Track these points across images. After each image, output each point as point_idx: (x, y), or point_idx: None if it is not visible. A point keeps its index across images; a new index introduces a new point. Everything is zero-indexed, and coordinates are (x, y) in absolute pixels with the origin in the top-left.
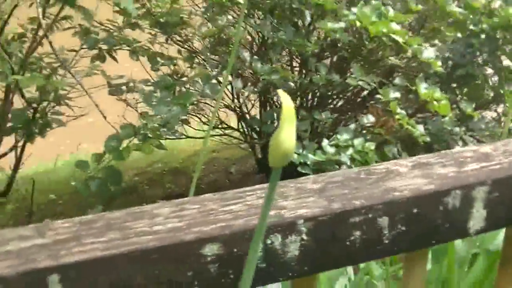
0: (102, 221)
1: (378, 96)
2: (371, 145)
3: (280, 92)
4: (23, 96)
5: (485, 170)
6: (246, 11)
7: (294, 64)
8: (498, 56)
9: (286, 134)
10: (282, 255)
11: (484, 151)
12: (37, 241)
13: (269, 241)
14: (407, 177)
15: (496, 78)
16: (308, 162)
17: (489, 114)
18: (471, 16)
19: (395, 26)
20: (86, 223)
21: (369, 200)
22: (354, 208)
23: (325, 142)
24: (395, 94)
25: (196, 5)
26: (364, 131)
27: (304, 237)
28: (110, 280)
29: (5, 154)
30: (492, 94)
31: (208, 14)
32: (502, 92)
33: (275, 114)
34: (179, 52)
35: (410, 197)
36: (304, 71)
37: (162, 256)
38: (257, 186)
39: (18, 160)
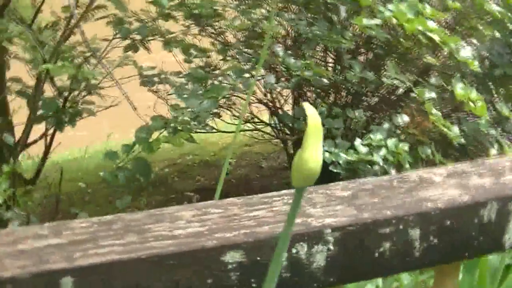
0: (121, 222)
1: (413, 95)
2: (405, 146)
3: (306, 105)
4: (54, 84)
5: None
6: (280, 5)
7: (328, 60)
8: None
9: (311, 152)
10: (307, 265)
11: None
12: (52, 241)
13: (294, 250)
14: (441, 186)
15: None
16: (340, 161)
17: None
18: (509, 15)
19: (431, 23)
20: (104, 224)
21: (400, 210)
22: (385, 218)
23: (357, 142)
24: (430, 94)
25: None
26: (398, 131)
27: (331, 247)
28: (126, 285)
29: (34, 142)
30: None
31: (242, 7)
32: None
33: None
34: (212, 44)
35: (443, 209)
36: (338, 68)
37: (181, 262)
38: (284, 191)
39: (47, 148)
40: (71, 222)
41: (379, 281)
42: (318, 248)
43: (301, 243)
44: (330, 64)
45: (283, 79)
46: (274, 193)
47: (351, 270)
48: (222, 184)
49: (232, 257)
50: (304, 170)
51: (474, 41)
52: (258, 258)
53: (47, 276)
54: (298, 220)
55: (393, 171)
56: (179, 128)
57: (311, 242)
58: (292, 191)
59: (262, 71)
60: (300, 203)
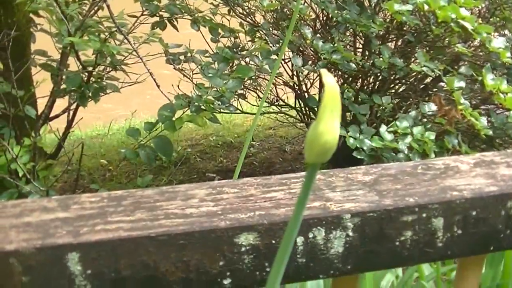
0: (131, 198)
1: (441, 84)
2: (431, 135)
3: (323, 71)
4: (78, 59)
5: None
6: None
7: (358, 45)
8: None
9: (327, 124)
10: (324, 251)
11: None
12: (60, 214)
13: (311, 235)
14: (468, 175)
15: None
16: (364, 148)
17: None
18: None
19: (464, 11)
20: (114, 199)
21: (424, 198)
22: (407, 205)
23: (383, 128)
24: (459, 84)
25: None
26: (425, 120)
27: (350, 233)
28: (133, 263)
29: (57, 116)
30: None
31: None
32: None
33: None
34: (241, 25)
35: (469, 198)
36: (367, 53)
37: (191, 242)
38: (303, 173)
39: (70, 123)
40: (80, 197)
41: (399, 271)
42: (336, 233)
43: (319, 227)
44: (359, 49)
45: (310, 62)
46: (292, 174)
47: (369, 259)
48: (240, 166)
49: (246, 239)
50: (319, 144)
51: (507, 32)
52: (273, 242)
53: (52, 251)
54: (316, 204)
55: (419, 159)
56: (202, 107)
57: (329, 227)
58: None
59: (290, 53)
60: (312, 182)
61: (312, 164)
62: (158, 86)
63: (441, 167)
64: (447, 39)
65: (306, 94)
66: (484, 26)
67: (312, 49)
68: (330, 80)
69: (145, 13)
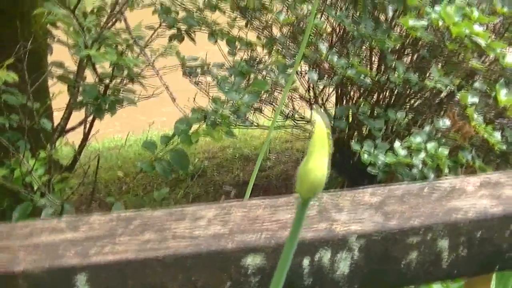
0: (140, 219)
1: (456, 99)
2: (444, 151)
3: (314, 111)
4: (95, 71)
5: None
6: (328, 1)
7: (374, 59)
8: None
9: (317, 162)
10: (330, 272)
11: None
12: (68, 235)
13: (317, 256)
14: (473, 196)
15: None
16: (379, 163)
17: None
18: None
19: (478, 27)
20: (123, 220)
21: (429, 219)
22: (412, 227)
23: (397, 144)
24: (473, 99)
25: None
26: (439, 135)
27: (356, 254)
28: (142, 284)
29: (73, 129)
30: None
31: (288, 1)
32: None
33: (350, 110)
34: (258, 38)
35: (474, 219)
36: (382, 67)
37: (199, 264)
38: None
39: (86, 135)
40: (89, 217)
41: None
42: (342, 255)
43: (325, 248)
44: (375, 64)
45: (326, 76)
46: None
47: (375, 280)
48: (253, 182)
49: (253, 260)
50: (309, 180)
51: None
52: None
53: (60, 272)
54: (322, 225)
55: (432, 175)
56: (218, 121)
57: (335, 249)
58: (320, 194)
59: (306, 67)
60: (304, 215)
61: (304, 198)
62: (174, 100)
63: (446, 188)
64: (461, 54)
65: (322, 108)
66: (497, 43)
67: (327, 63)
68: (319, 120)
69: (163, 25)
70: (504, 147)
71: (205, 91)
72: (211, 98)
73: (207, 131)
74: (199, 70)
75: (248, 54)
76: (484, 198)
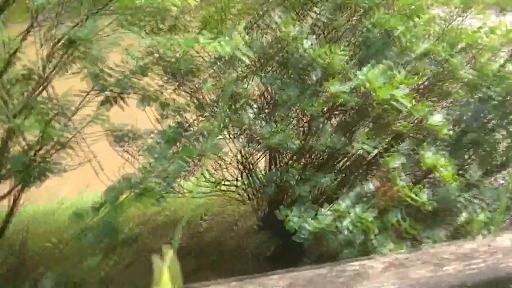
0: None
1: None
2: (370, 215)
3: (155, 260)
4: (23, 140)
5: (466, 271)
6: (258, 65)
7: (303, 122)
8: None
9: None
10: None
11: (465, 250)
12: None
13: None
14: (378, 279)
15: (506, 143)
16: (308, 228)
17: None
18: (481, 82)
19: (403, 90)
20: None
21: None
22: None
23: (324, 209)
24: (398, 162)
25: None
26: (366, 198)
27: None
28: None
29: (2, 198)
30: (502, 159)
31: (215, 67)
32: None
33: (278, 174)
34: (188, 104)
35: None
36: (312, 130)
37: None
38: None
39: (14, 204)
40: None
41: None
42: None
43: None
44: (304, 127)
45: (253, 141)
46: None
47: None
48: (175, 249)
49: None
50: None
51: (448, 104)
52: None
53: None
54: None
55: (360, 239)
56: (148, 189)
57: None
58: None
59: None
60: None
61: None
62: (102, 169)
63: (355, 269)
64: (388, 116)
65: (252, 172)
66: (421, 104)
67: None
68: (158, 265)
69: (93, 89)
70: (430, 208)
71: (135, 158)
72: (139, 166)
73: (135, 201)
74: (126, 138)
75: (178, 119)
76: (390, 280)
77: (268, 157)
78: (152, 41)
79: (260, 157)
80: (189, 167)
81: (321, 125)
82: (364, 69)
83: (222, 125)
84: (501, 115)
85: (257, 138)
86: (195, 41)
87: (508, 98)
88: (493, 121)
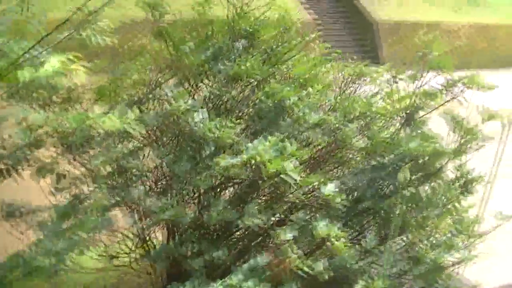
0: None
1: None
2: (264, 287)
3: None
4: None
5: None
6: (154, 137)
7: (196, 195)
8: (405, 186)
9: None
10: None
11: None
12: None
13: None
14: None
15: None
16: None
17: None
18: (375, 150)
19: (294, 162)
20: None
21: None
22: None
23: (216, 284)
24: (289, 235)
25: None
26: (260, 271)
27: None
28: None
29: None
30: (399, 224)
31: (108, 141)
32: (409, 221)
33: (172, 247)
34: (84, 174)
35: None
36: (204, 204)
37: None
38: None
39: None
40: None
41: None
42: None
43: None
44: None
45: (146, 217)
46: None
47: None
48: None
49: None
50: None
51: (344, 173)
52: None
53: None
54: None
55: None
56: (39, 266)
57: None
58: None
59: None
60: None
61: None
62: None
63: None
64: (281, 188)
65: (147, 245)
66: (312, 176)
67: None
68: None
69: None
70: (327, 276)
71: (25, 234)
72: (30, 242)
73: (24, 278)
74: (19, 212)
75: (74, 191)
76: None
77: (165, 229)
78: (44, 114)
79: (156, 230)
80: (83, 241)
81: (211, 200)
82: (255, 141)
83: (116, 199)
84: (395, 182)
85: (149, 215)
86: (84, 116)
87: (401, 165)
88: (388, 188)
